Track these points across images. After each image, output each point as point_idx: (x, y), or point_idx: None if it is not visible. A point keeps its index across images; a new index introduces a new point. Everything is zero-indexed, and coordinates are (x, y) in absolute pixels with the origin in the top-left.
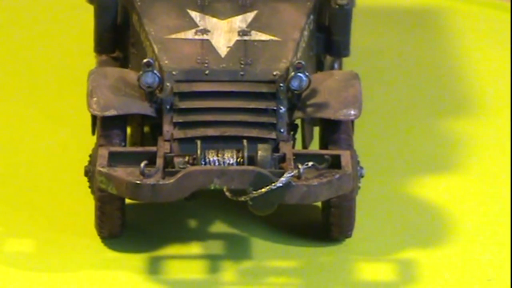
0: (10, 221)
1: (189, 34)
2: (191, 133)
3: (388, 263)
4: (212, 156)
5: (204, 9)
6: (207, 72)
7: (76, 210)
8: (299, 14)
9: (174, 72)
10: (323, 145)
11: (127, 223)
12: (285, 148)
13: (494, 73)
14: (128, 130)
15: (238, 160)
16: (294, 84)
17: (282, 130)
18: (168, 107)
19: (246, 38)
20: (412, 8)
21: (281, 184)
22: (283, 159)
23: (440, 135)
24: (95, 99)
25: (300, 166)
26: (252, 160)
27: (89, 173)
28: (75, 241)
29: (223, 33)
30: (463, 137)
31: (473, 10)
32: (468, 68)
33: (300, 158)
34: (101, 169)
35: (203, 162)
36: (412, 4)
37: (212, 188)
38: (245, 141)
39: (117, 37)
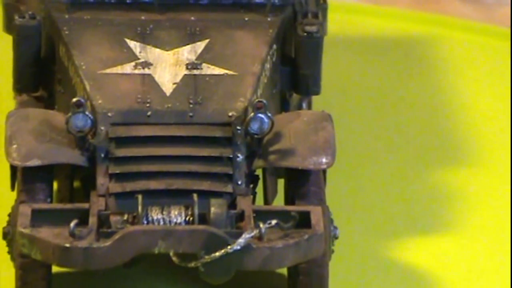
0: None
1: (128, 68)
2: (130, 186)
3: None
4: (156, 214)
5: (145, 38)
6: (149, 113)
7: None
8: (259, 44)
9: (109, 114)
10: (289, 199)
11: None
12: (243, 203)
13: (490, 112)
14: (55, 183)
15: (187, 218)
16: (254, 126)
17: (239, 182)
18: (102, 155)
19: (195, 72)
20: (394, 37)
21: (238, 247)
22: (241, 216)
23: (426, 185)
24: (14, 146)
25: (261, 225)
26: (203, 219)
27: (8, 235)
28: None
29: (168, 66)
30: (452, 189)
31: (465, 38)
32: (459, 105)
33: (261, 215)
34: (23, 230)
35: (145, 221)
36: (393, 32)
37: (157, 252)
38: (195, 196)
39: (40, 73)
